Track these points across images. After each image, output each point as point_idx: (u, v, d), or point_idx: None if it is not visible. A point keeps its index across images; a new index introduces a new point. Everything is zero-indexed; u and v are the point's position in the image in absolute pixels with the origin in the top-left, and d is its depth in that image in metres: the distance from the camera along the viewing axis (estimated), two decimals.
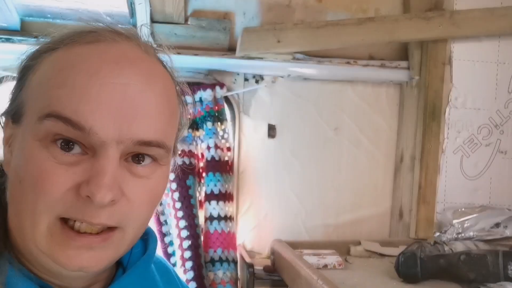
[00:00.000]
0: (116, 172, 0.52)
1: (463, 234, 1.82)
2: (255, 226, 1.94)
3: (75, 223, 0.52)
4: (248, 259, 1.69)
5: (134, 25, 1.81)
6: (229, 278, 1.65)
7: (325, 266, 1.57)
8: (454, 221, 1.83)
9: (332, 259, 1.61)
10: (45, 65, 0.55)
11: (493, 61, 1.92)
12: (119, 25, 0.59)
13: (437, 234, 1.85)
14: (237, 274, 1.74)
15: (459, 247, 1.65)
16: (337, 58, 1.92)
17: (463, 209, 1.87)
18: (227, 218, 1.73)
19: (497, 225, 1.81)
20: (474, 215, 1.84)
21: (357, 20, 1.81)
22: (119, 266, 0.65)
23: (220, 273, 1.64)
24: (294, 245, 1.73)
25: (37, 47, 0.58)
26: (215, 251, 1.66)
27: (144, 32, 0.62)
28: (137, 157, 0.55)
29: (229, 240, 1.71)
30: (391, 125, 2.03)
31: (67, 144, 0.52)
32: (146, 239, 0.66)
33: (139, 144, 0.53)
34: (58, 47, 0.55)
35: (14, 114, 0.57)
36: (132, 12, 1.80)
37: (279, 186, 1.96)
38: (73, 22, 0.60)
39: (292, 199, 1.96)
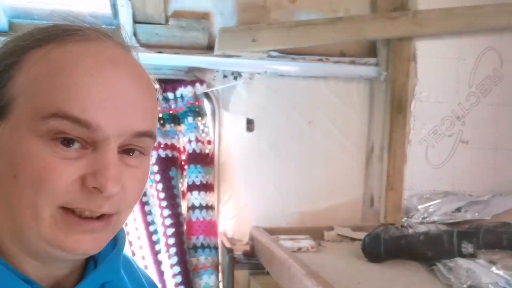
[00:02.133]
0: (118, 164, 0.56)
1: (428, 219, 1.96)
2: (235, 214, 2.06)
3: (77, 210, 0.55)
4: (228, 245, 1.81)
5: (118, 25, 1.90)
6: (210, 263, 1.76)
7: (299, 249, 1.69)
8: (420, 207, 1.98)
9: (306, 243, 1.74)
10: (35, 62, 0.56)
11: (454, 58, 2.06)
12: (100, 25, 0.62)
13: (405, 219, 1.99)
14: (218, 259, 1.85)
15: (422, 230, 1.80)
16: (310, 55, 2.04)
17: (427, 196, 2.02)
18: (208, 207, 1.85)
19: (459, 209, 1.96)
20: (438, 200, 1.99)
21: (328, 20, 1.94)
22: (89, 259, 0.66)
23: (202, 259, 1.76)
24: (272, 231, 1.86)
25: (17, 39, 0.59)
26: (197, 238, 1.77)
27: (125, 32, 0.65)
28: (128, 150, 0.59)
29: (210, 227, 1.83)
30: (361, 118, 2.16)
31: (67, 140, 0.54)
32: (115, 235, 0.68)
33: (136, 136, 0.57)
34: (47, 43, 0.57)
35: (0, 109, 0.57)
36: (115, 13, 1.90)
37: (257, 177, 2.07)
38: (56, 20, 0.61)
39: (270, 188, 2.09)
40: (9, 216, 0.57)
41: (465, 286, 1.21)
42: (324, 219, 2.10)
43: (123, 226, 0.69)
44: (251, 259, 1.83)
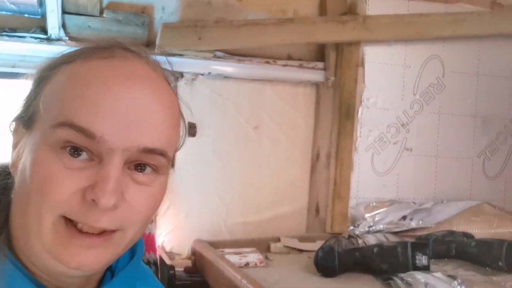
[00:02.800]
0: (120, 178, 0.55)
1: (374, 227, 1.93)
2: (175, 226, 1.91)
3: (78, 223, 0.56)
4: (168, 261, 1.66)
5: (43, 15, 1.69)
6: None
7: (247, 264, 1.58)
8: (366, 215, 1.94)
9: (253, 257, 1.63)
10: (60, 76, 0.59)
11: (401, 64, 2.05)
12: (131, 45, 0.64)
13: (351, 228, 1.94)
14: (158, 276, 1.69)
15: (371, 240, 1.76)
16: (257, 57, 1.95)
17: (374, 204, 1.99)
18: None
19: (404, 217, 1.95)
20: (384, 209, 1.97)
21: (277, 21, 1.85)
22: (107, 270, 0.68)
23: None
24: (215, 245, 1.73)
25: (55, 58, 0.62)
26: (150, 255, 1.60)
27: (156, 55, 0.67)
28: (139, 166, 0.58)
29: (149, 242, 1.66)
30: (308, 123, 2.10)
31: (76, 151, 0.55)
32: (133, 246, 0.68)
33: (144, 152, 0.57)
34: (75, 60, 0.59)
35: (27, 120, 0.60)
36: (41, 1, 1.68)
37: (199, 185, 1.94)
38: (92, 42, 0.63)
39: (213, 197, 1.96)
40: (21, 223, 0.59)
41: None
42: (269, 229, 2.01)
43: (141, 238, 0.70)
44: (194, 275, 1.69)
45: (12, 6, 1.67)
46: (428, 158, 2.11)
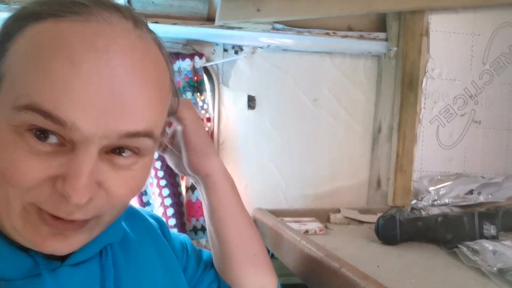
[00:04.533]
0: (95, 168, 0.50)
1: (438, 201, 1.86)
2: None
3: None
4: None
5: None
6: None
7: (306, 231, 1.58)
8: (430, 189, 1.88)
9: (313, 225, 1.63)
10: (27, 40, 0.50)
11: (469, 33, 1.95)
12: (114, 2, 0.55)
13: (414, 201, 1.89)
14: None
15: (435, 212, 1.70)
16: (316, 29, 1.93)
17: (438, 177, 1.92)
18: None
19: (471, 192, 1.87)
20: (449, 182, 1.89)
21: None
22: None
23: (204, 241, 1.64)
24: (275, 213, 1.74)
25: (21, 9, 0.53)
26: (197, 220, 1.65)
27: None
28: (117, 149, 0.53)
29: None
30: (368, 97, 2.05)
31: (42, 133, 0.49)
32: None
33: (126, 136, 0.51)
34: (45, 18, 0.50)
35: None
36: None
37: (258, 157, 1.96)
38: None
39: (272, 169, 1.97)
40: None
41: (495, 268, 1.11)
42: (328, 202, 2.01)
43: None
44: None
45: None
46: (498, 131, 2.00)
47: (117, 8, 0.53)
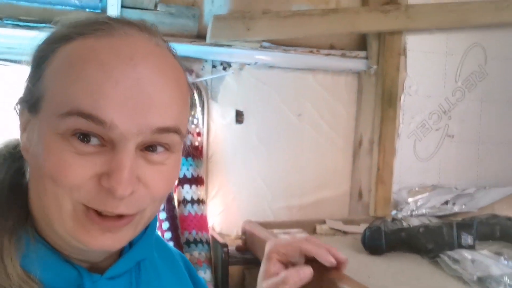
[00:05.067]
0: (134, 164, 0.55)
1: (416, 211, 1.98)
2: (224, 209, 2.00)
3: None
4: (221, 240, 1.76)
5: (104, 9, 1.80)
6: (204, 258, 1.70)
7: None
8: (409, 199, 1.99)
9: (301, 236, 1.71)
10: (60, 58, 0.57)
11: (442, 53, 2.09)
12: (132, 20, 0.61)
13: (394, 212, 1.99)
14: (210, 254, 1.79)
15: (415, 222, 1.80)
16: (301, 47, 2.01)
17: (416, 189, 2.04)
18: (200, 201, 1.78)
19: (446, 202, 1.99)
20: (426, 194, 2.01)
21: (322, 11, 1.91)
22: None
23: (196, 254, 1.69)
24: (263, 226, 1.81)
25: (51, 34, 0.60)
26: (190, 233, 1.70)
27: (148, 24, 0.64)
28: (151, 147, 0.58)
29: (202, 222, 1.76)
30: (349, 111, 2.15)
31: (85, 137, 0.54)
32: None
33: (157, 132, 0.56)
34: (73, 38, 0.57)
35: (32, 105, 0.59)
36: None
37: (246, 170, 2.03)
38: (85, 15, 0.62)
39: (259, 182, 2.04)
40: (40, 207, 0.59)
41: (475, 277, 1.21)
42: (312, 213, 2.09)
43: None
44: (244, 254, 1.79)
45: (75, 1, 1.79)
46: (470, 144, 2.14)
47: (133, 23, 0.60)
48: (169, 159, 0.60)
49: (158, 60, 0.58)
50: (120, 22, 0.59)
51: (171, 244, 1.66)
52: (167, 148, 0.59)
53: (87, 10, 1.82)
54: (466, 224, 1.54)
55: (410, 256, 1.51)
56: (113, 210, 0.55)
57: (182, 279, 0.83)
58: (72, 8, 1.81)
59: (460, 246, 1.48)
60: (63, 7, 1.79)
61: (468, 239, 1.49)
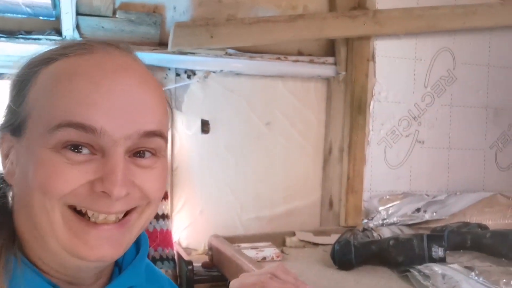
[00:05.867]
0: (125, 168, 0.57)
1: (388, 220, 1.95)
2: (191, 222, 1.93)
3: (92, 215, 0.57)
4: (186, 257, 1.68)
5: (58, 17, 1.71)
6: (170, 276, 1.63)
7: (264, 258, 1.60)
8: (380, 208, 1.96)
9: (270, 251, 1.65)
10: (44, 77, 0.59)
11: (411, 58, 2.06)
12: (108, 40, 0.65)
13: (365, 221, 1.96)
14: (176, 271, 1.72)
15: (386, 232, 1.77)
16: (268, 53, 1.96)
17: (387, 197, 2.00)
18: (164, 217, 1.71)
19: (418, 210, 1.96)
20: (397, 201, 1.98)
21: (288, 17, 1.86)
22: (115, 265, 0.70)
23: (162, 271, 1.62)
24: (231, 240, 1.75)
25: (30, 60, 0.63)
26: (155, 250, 1.63)
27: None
28: (138, 153, 0.60)
29: (167, 238, 1.69)
30: (319, 118, 2.11)
31: (76, 148, 0.56)
32: (138, 241, 0.70)
33: (144, 136, 0.59)
34: (56, 59, 0.60)
35: (16, 128, 0.60)
36: (55, 3, 1.70)
37: (213, 182, 1.96)
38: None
39: (227, 193, 1.98)
40: (32, 227, 0.59)
41: None
42: (283, 223, 2.04)
43: (145, 233, 0.72)
44: (211, 271, 1.72)
45: (27, 9, 1.69)
46: (440, 150, 2.12)
47: (111, 43, 0.64)
48: (157, 163, 0.62)
49: (138, 72, 0.62)
50: (99, 42, 0.63)
51: None
52: (154, 153, 0.62)
53: (40, 18, 1.72)
54: (436, 236, 1.51)
55: (380, 270, 1.47)
56: (109, 209, 0.57)
57: None
58: (24, 16, 1.71)
59: (431, 259, 1.45)
60: (14, 15, 1.69)
61: (439, 252, 1.46)
